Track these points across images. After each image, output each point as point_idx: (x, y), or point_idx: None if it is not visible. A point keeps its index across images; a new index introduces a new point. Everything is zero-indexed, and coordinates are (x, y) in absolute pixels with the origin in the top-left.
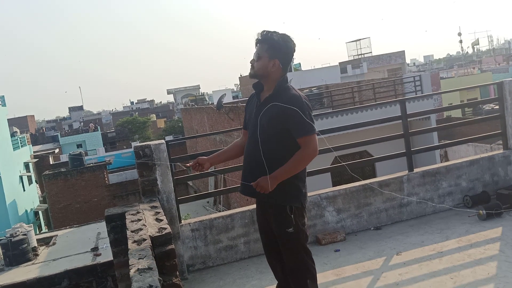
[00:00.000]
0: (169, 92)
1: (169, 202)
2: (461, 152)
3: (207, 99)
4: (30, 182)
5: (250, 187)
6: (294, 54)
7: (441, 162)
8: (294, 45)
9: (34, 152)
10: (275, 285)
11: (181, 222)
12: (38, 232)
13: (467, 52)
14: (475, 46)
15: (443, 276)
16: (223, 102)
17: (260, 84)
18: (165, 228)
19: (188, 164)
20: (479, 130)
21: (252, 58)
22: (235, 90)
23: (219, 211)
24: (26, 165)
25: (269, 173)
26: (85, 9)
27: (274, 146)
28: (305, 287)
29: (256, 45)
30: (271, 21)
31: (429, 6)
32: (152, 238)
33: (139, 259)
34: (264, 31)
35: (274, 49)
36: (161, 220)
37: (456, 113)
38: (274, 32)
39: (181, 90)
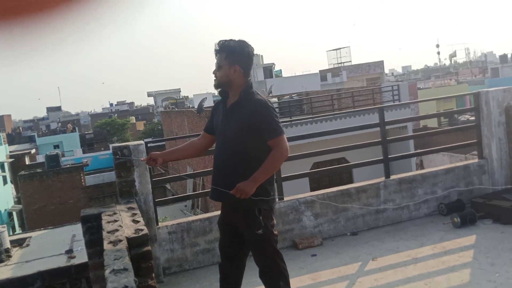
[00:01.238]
0: (149, 94)
1: (147, 204)
2: (437, 161)
3: (187, 103)
4: (5, 182)
5: (221, 191)
6: (253, 58)
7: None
8: (252, 49)
9: (10, 152)
10: None
11: (158, 225)
12: (11, 233)
13: (444, 63)
14: (452, 58)
15: (418, 282)
16: (204, 106)
17: (226, 91)
18: (142, 230)
19: (142, 159)
20: (455, 140)
21: (214, 69)
22: (216, 94)
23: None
24: (1, 165)
25: (242, 177)
26: None
27: (244, 150)
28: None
29: (215, 55)
30: (253, 26)
31: (408, 18)
32: (129, 239)
33: (114, 259)
34: (220, 40)
35: (233, 55)
36: (138, 222)
37: (433, 123)
38: (231, 39)
39: (162, 93)
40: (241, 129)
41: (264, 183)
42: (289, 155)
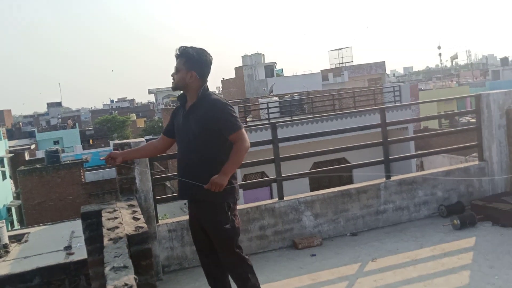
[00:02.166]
0: (150, 91)
1: (147, 201)
2: (437, 163)
3: None
4: (4, 177)
5: (186, 190)
6: (211, 66)
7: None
8: (210, 57)
9: (9, 147)
10: None
11: (158, 222)
12: (10, 229)
13: (445, 65)
14: (454, 60)
15: (417, 284)
16: None
17: (184, 96)
18: (142, 227)
19: (101, 158)
20: (455, 142)
21: (173, 72)
22: (217, 93)
23: None
24: (1, 160)
25: (206, 174)
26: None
27: (206, 148)
28: (247, 280)
29: (176, 59)
30: (255, 25)
31: (410, 19)
32: (129, 237)
33: (114, 257)
34: (181, 46)
35: (191, 62)
36: (138, 219)
37: (433, 125)
38: (191, 47)
39: (163, 90)
40: (201, 127)
41: (230, 179)
42: (289, 155)
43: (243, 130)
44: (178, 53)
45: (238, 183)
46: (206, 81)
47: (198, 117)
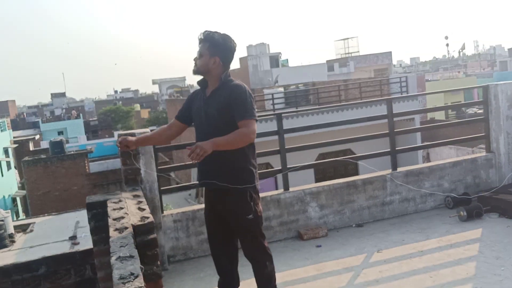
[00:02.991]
0: (154, 82)
1: (152, 192)
2: (443, 154)
3: (192, 92)
4: (9, 167)
5: (211, 178)
6: (235, 53)
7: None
8: (234, 44)
9: (14, 137)
10: (252, 278)
11: (163, 213)
12: (15, 219)
13: (453, 56)
14: (461, 51)
15: (423, 275)
16: None
17: (205, 80)
18: (147, 217)
19: (117, 144)
20: (462, 133)
21: (195, 56)
22: None
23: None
24: (6, 150)
25: (228, 161)
26: None
27: (225, 134)
28: (264, 269)
29: (199, 44)
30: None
31: (417, 9)
32: (134, 227)
33: (120, 247)
34: (206, 31)
35: (215, 47)
36: (144, 209)
37: (440, 116)
38: (216, 32)
39: (167, 80)
40: (221, 113)
41: (249, 166)
42: (294, 146)
43: (254, 121)
44: (202, 38)
45: None
46: (228, 67)
47: (219, 103)
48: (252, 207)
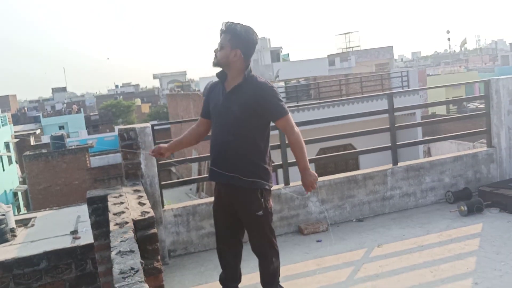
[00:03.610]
0: (155, 77)
1: (153, 186)
2: (444, 149)
3: (193, 86)
4: (10, 162)
5: (220, 173)
6: (256, 47)
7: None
8: (256, 37)
9: (15, 132)
10: (257, 272)
11: (163, 207)
12: (16, 213)
13: (454, 50)
14: (463, 46)
15: (423, 269)
16: None
17: (224, 73)
18: (148, 212)
19: (150, 153)
20: (463, 128)
21: (216, 47)
22: None
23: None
24: (7, 145)
25: (243, 158)
26: None
27: (246, 132)
28: (271, 264)
29: (220, 35)
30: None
31: (419, 3)
32: (135, 222)
33: (121, 241)
34: (228, 22)
35: (237, 39)
36: (144, 204)
37: (441, 111)
38: (238, 23)
39: (168, 75)
40: (244, 111)
41: (263, 163)
42: None
43: (290, 115)
44: (224, 29)
45: None
46: (249, 61)
47: (243, 100)
48: (263, 203)
